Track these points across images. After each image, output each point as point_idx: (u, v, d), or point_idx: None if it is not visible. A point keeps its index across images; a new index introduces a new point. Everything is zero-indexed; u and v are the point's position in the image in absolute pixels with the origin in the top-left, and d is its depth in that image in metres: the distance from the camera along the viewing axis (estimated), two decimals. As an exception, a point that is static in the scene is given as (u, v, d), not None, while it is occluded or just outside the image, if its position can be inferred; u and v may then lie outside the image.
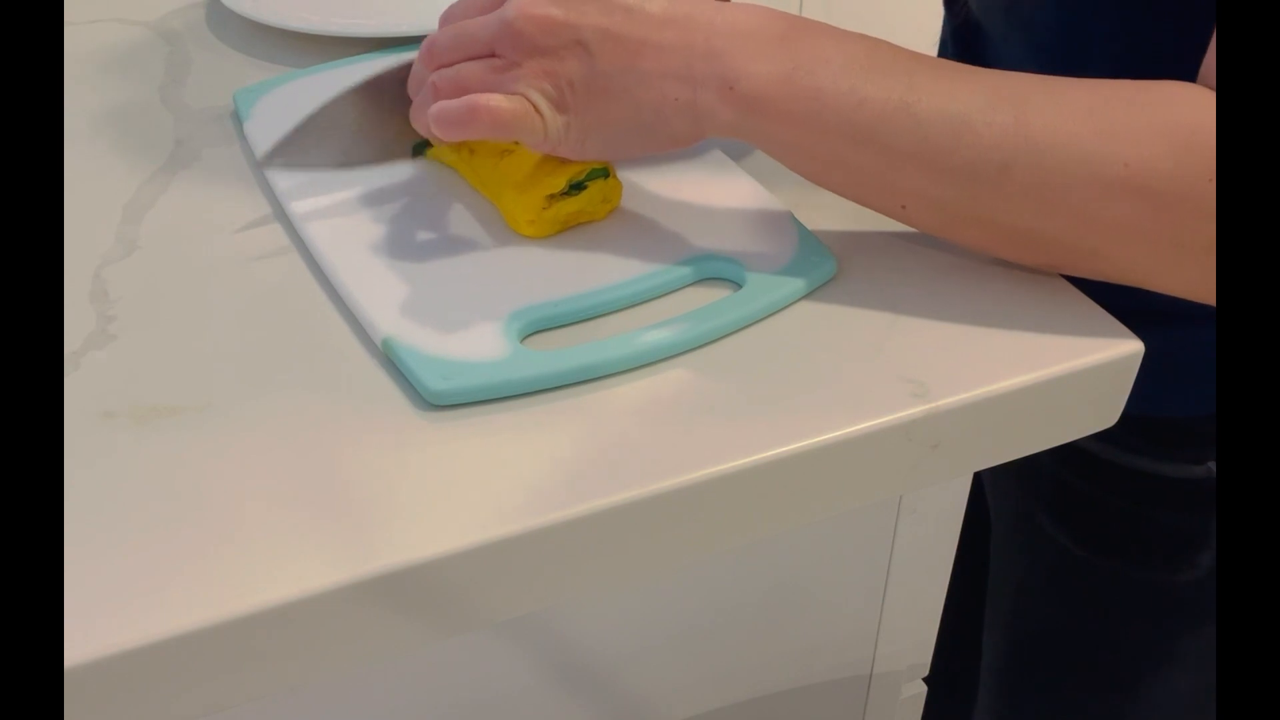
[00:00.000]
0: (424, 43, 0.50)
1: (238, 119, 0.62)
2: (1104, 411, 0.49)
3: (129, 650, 0.36)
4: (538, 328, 0.48)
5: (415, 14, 0.71)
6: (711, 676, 0.63)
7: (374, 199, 0.55)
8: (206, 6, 0.76)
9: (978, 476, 0.78)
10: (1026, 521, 0.71)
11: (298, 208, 0.54)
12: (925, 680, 0.72)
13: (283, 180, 0.56)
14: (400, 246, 0.52)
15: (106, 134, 0.62)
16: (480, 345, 0.46)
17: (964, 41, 0.66)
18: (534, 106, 0.48)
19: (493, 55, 0.48)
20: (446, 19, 0.51)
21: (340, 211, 0.54)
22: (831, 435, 0.43)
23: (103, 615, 0.37)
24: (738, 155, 0.57)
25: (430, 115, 0.48)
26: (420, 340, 0.46)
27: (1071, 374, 0.46)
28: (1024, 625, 0.75)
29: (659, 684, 0.61)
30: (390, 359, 0.46)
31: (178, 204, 0.56)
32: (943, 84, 0.45)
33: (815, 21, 0.48)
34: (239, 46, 0.71)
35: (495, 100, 0.47)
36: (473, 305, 0.48)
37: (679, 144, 0.49)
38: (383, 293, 0.49)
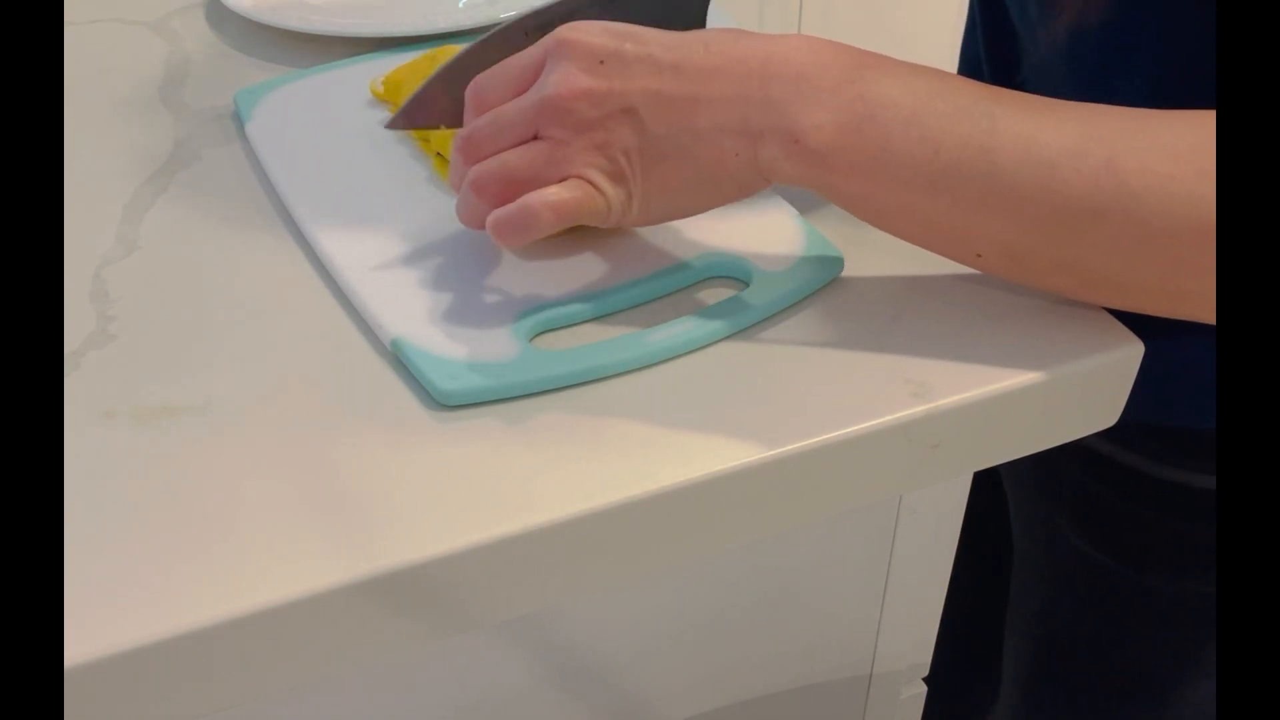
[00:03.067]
0: (460, 136, 0.47)
1: (238, 119, 0.62)
2: (1104, 411, 0.49)
3: (129, 650, 0.36)
4: (546, 327, 0.48)
5: (415, 14, 0.71)
6: (711, 676, 0.63)
7: (380, 200, 0.55)
8: (206, 6, 0.76)
9: (995, 479, 0.78)
10: (1051, 530, 0.70)
11: (302, 209, 0.54)
12: (925, 680, 0.72)
13: (286, 181, 0.56)
14: (408, 247, 0.52)
15: (106, 134, 0.62)
16: (489, 346, 0.46)
17: (996, 45, 0.64)
18: (594, 185, 0.45)
19: (535, 137, 0.46)
20: (476, 96, 0.48)
21: (346, 212, 0.54)
22: (831, 435, 0.43)
23: (103, 615, 0.37)
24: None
25: (489, 226, 0.45)
26: (429, 341, 0.46)
27: (1071, 374, 0.46)
28: (1048, 633, 0.75)
29: (659, 684, 0.61)
30: (399, 359, 0.46)
31: (178, 204, 0.56)
32: (1025, 124, 0.42)
33: (878, 56, 0.44)
34: (239, 46, 0.71)
35: (552, 195, 0.45)
36: (481, 305, 0.48)
37: (745, 194, 0.46)
38: (391, 294, 0.49)
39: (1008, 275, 0.46)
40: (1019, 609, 0.78)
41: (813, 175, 0.44)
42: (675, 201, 0.47)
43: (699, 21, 0.53)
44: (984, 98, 0.43)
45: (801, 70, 0.43)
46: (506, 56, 0.49)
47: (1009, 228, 0.43)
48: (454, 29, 0.69)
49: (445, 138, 0.56)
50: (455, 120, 0.51)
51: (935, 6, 2.25)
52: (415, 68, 0.61)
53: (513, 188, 0.46)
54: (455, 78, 0.50)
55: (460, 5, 0.73)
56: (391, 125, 0.51)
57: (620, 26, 0.45)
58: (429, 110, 0.51)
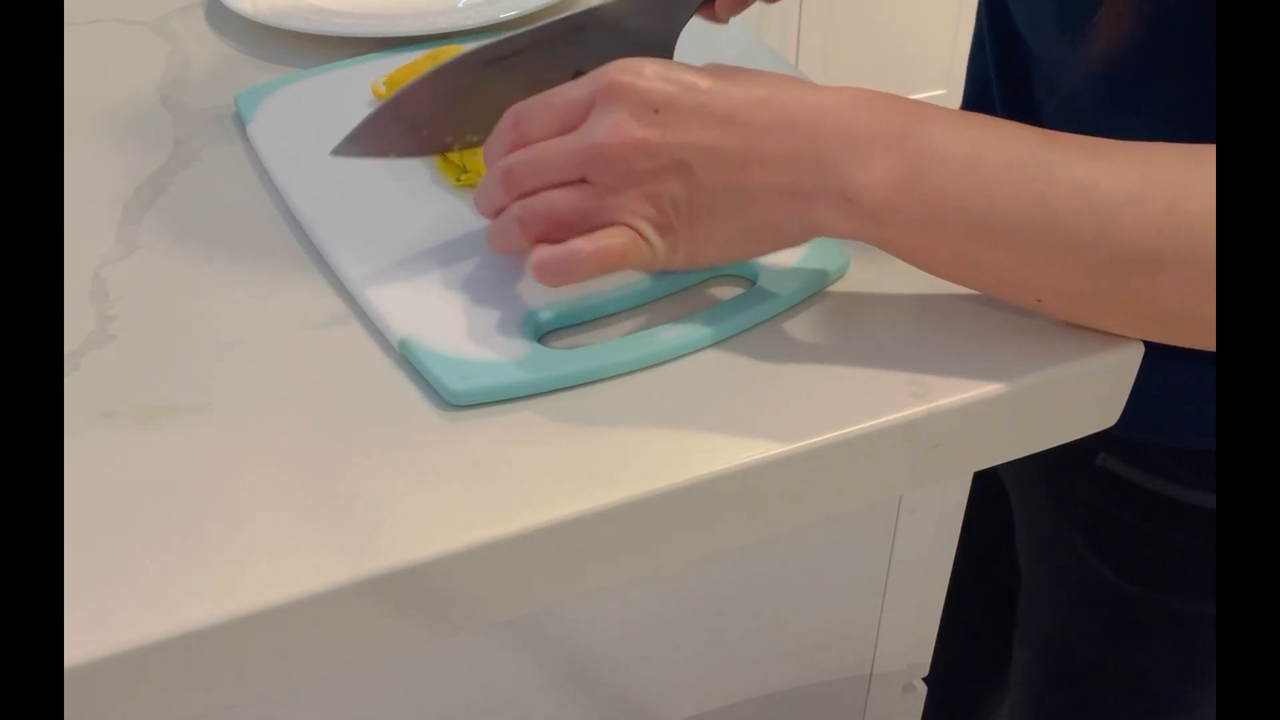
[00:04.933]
0: (501, 168, 0.46)
1: (239, 119, 0.62)
2: (1104, 411, 0.49)
3: (129, 650, 0.36)
4: (554, 326, 0.48)
5: (416, 14, 0.71)
6: (711, 676, 0.63)
7: (387, 200, 0.55)
8: (206, 6, 0.76)
9: (996, 487, 0.78)
10: (1064, 549, 0.70)
11: (306, 209, 0.54)
12: (925, 680, 0.72)
13: (290, 181, 0.56)
14: (413, 247, 0.52)
15: (106, 134, 0.62)
16: (497, 345, 0.46)
17: (1007, 64, 0.63)
18: (640, 234, 0.45)
19: (581, 180, 0.45)
20: (517, 127, 0.46)
21: (351, 212, 0.54)
22: (831, 435, 0.43)
23: (103, 615, 0.37)
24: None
25: (531, 267, 0.45)
26: (438, 341, 0.46)
27: (1071, 374, 0.46)
28: (1059, 649, 0.75)
29: (659, 684, 0.61)
30: (405, 359, 0.46)
31: (178, 204, 0.56)
32: (1083, 171, 0.41)
33: (930, 107, 0.44)
34: (239, 47, 0.71)
35: (601, 241, 0.44)
36: (489, 305, 0.48)
37: (793, 245, 0.46)
38: (397, 293, 0.49)
39: (1070, 318, 0.46)
40: (1028, 624, 0.78)
41: (867, 232, 0.44)
42: (721, 251, 0.46)
43: (668, 54, 0.53)
44: (1040, 145, 0.42)
45: (852, 127, 0.43)
46: (455, 87, 0.49)
47: (1070, 275, 0.42)
48: (454, 29, 0.69)
49: None
50: (405, 149, 0.51)
51: (933, 11, 2.25)
52: (416, 68, 0.61)
53: (557, 228, 0.46)
54: (403, 108, 0.50)
55: (460, 5, 0.73)
56: (337, 152, 0.50)
57: (672, 71, 0.44)
58: (379, 138, 0.51)
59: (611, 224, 0.45)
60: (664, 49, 0.53)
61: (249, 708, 0.48)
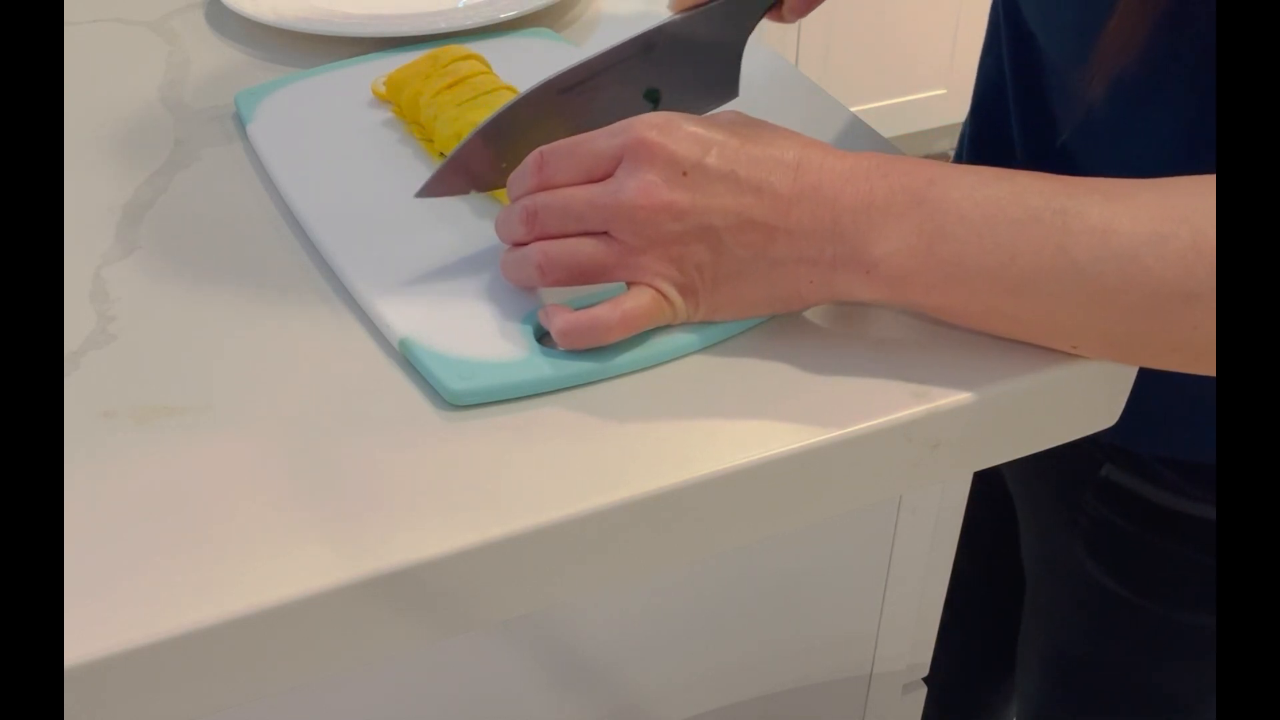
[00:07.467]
0: (527, 206, 0.47)
1: (238, 119, 0.62)
2: (1104, 411, 0.49)
3: (129, 650, 0.36)
4: None
5: (416, 15, 0.71)
6: (711, 676, 0.63)
7: (385, 201, 0.55)
8: (206, 6, 0.76)
9: (1005, 487, 0.78)
10: (1067, 559, 0.70)
11: (306, 209, 0.54)
12: (925, 680, 0.72)
13: (290, 181, 0.56)
14: (413, 247, 0.52)
15: (106, 134, 0.62)
16: (498, 345, 0.46)
17: (1020, 65, 0.63)
18: (662, 294, 0.45)
19: (604, 233, 0.45)
20: (542, 169, 0.46)
21: (351, 212, 0.54)
22: (831, 435, 0.43)
23: (103, 615, 0.37)
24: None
25: (556, 332, 0.45)
26: (438, 341, 0.46)
27: (1071, 374, 0.46)
28: (1062, 657, 0.75)
29: (659, 683, 0.61)
30: (405, 359, 0.46)
31: (178, 204, 0.57)
32: (1099, 217, 0.41)
33: (945, 167, 0.44)
34: (239, 46, 0.71)
35: (625, 306, 0.45)
36: (489, 305, 0.48)
37: (813, 306, 0.47)
38: (397, 293, 0.49)
39: (1115, 360, 0.46)
40: (1032, 628, 0.78)
41: (890, 297, 0.44)
42: (741, 311, 0.47)
43: (735, 62, 0.53)
44: (1056, 195, 0.42)
45: (870, 198, 0.43)
46: (533, 118, 0.49)
47: (1100, 320, 0.42)
48: (454, 29, 0.69)
49: (449, 139, 0.56)
50: (487, 184, 0.51)
51: (933, 11, 2.25)
52: (416, 68, 0.61)
53: (575, 277, 0.46)
54: (485, 144, 0.50)
55: (460, 5, 0.73)
56: (422, 194, 0.51)
57: (701, 130, 0.44)
58: (461, 176, 0.51)
59: (633, 282, 0.45)
60: (732, 57, 0.53)
61: (249, 708, 0.48)
